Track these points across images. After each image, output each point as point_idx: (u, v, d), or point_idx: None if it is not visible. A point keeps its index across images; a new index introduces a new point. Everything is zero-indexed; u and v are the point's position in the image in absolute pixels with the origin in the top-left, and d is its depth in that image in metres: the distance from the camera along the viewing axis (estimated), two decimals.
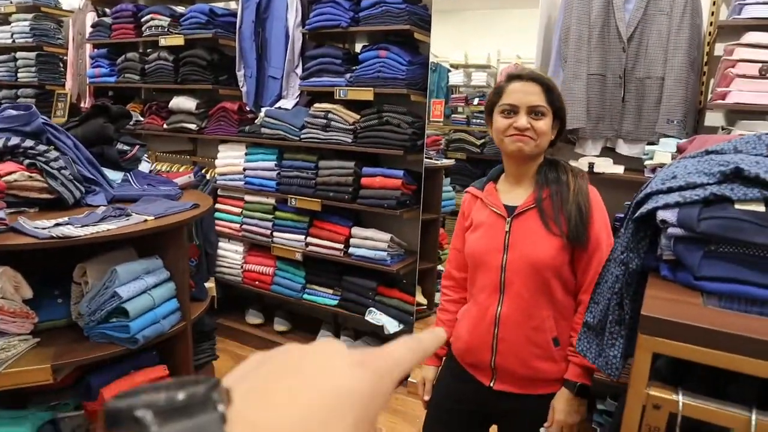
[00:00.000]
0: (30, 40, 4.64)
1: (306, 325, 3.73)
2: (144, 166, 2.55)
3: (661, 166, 2.41)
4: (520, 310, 1.42)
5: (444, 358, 1.66)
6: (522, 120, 1.39)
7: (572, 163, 2.66)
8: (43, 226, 1.72)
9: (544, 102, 1.39)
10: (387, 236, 3.09)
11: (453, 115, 3.74)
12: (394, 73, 2.94)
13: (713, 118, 2.63)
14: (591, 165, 2.54)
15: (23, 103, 2.00)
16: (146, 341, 1.86)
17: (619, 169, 2.55)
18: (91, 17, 4.31)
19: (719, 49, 2.53)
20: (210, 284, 2.46)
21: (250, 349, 3.65)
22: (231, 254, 3.69)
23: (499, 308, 1.44)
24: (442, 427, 1.61)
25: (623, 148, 2.67)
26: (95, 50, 4.32)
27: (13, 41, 4.72)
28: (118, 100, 4.27)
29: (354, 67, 3.13)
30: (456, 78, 3.70)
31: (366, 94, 2.99)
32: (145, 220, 1.90)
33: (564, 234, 1.37)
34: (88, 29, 4.29)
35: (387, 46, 2.96)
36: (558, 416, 1.40)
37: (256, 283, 3.60)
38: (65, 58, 4.71)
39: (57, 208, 1.98)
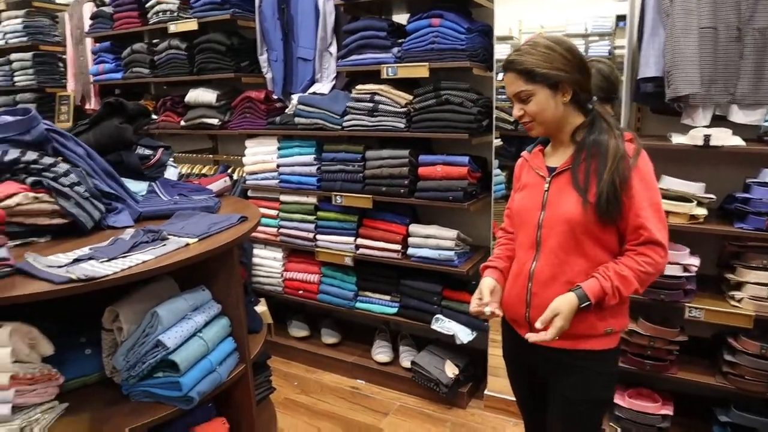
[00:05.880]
0: (24, 39, 4.24)
1: (357, 335, 3.34)
2: (171, 172, 2.14)
3: None
4: (553, 266, 1.44)
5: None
6: (515, 110, 1.47)
7: (678, 137, 2.25)
8: (59, 264, 1.32)
9: (524, 86, 1.41)
10: (453, 233, 2.66)
11: None
12: (452, 43, 2.48)
13: None
14: (707, 138, 2.10)
15: (19, 108, 1.59)
16: (202, 397, 1.47)
17: (740, 141, 2.11)
18: (89, 8, 3.88)
19: None
20: (262, 308, 2.05)
21: (298, 365, 3.26)
22: (268, 262, 3.29)
23: (534, 264, 1.48)
24: (514, 381, 1.74)
25: (738, 116, 2.22)
26: (97, 44, 3.89)
27: (6, 42, 4.32)
28: (126, 97, 3.82)
29: (400, 41, 2.68)
30: None
31: (420, 71, 2.54)
32: (187, 244, 1.50)
33: (591, 205, 1.37)
34: (87, 22, 3.87)
35: (440, 13, 2.51)
36: (559, 323, 1.36)
37: (300, 292, 3.20)
38: (64, 56, 4.30)
39: (73, 234, 1.58)
